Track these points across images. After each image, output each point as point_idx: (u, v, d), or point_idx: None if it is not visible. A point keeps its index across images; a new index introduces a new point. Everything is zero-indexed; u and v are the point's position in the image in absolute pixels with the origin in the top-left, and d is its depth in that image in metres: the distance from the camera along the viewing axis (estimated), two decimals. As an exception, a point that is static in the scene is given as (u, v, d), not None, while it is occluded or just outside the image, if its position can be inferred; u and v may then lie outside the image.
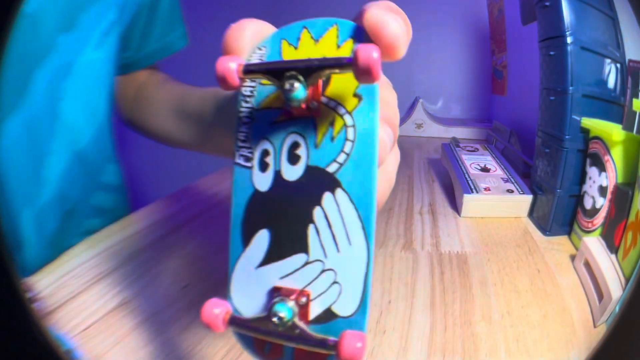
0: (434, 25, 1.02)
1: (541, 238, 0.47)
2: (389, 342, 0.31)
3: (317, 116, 0.15)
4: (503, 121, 0.84)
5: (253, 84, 0.16)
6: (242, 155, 0.16)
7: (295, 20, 0.17)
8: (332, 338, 0.14)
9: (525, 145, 0.69)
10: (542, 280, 0.39)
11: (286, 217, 0.15)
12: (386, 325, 0.33)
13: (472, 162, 0.62)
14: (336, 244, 0.14)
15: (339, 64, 0.13)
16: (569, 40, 0.43)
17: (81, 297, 0.35)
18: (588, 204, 0.43)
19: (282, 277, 0.15)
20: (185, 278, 0.38)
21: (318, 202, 0.14)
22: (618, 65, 0.43)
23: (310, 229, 0.15)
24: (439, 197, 0.58)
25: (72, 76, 0.39)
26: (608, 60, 0.43)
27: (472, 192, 0.52)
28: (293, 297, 0.14)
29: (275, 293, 0.15)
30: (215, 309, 0.15)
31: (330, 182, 0.14)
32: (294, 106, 0.14)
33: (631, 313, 0.24)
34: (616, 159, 0.39)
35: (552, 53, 0.47)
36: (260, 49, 0.16)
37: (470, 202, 0.51)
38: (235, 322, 0.15)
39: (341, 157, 0.14)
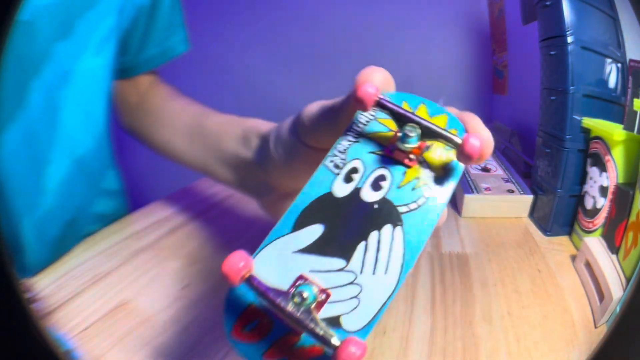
0: (435, 25, 1.02)
1: (542, 238, 0.47)
2: (389, 343, 0.31)
3: (409, 167, 0.17)
4: (504, 121, 0.84)
5: (371, 116, 0.19)
6: (332, 162, 0.18)
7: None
8: (335, 339, 0.14)
9: (526, 145, 0.69)
10: (543, 281, 0.39)
11: (345, 225, 0.16)
12: (386, 326, 0.33)
13: (472, 162, 0.62)
14: (375, 267, 0.15)
15: (451, 140, 0.16)
16: (569, 40, 0.43)
17: (81, 297, 0.35)
18: (589, 204, 0.42)
19: (312, 270, 0.16)
20: (185, 278, 0.38)
21: (378, 228, 0.16)
22: (619, 65, 0.43)
23: (361, 245, 0.16)
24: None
25: (70, 84, 0.39)
26: (609, 60, 0.43)
27: (473, 192, 0.52)
28: (315, 290, 0.15)
29: (301, 280, 0.15)
30: (240, 262, 0.15)
31: (396, 219, 0.16)
32: (401, 150, 0.17)
33: (632, 313, 0.24)
34: (617, 159, 0.39)
35: (552, 53, 0.46)
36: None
37: (470, 202, 0.51)
38: (253, 283, 0.15)
39: (413, 205, 0.16)
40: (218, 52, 1.12)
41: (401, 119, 0.17)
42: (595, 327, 0.33)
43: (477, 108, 1.03)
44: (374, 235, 0.16)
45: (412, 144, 0.17)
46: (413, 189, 0.17)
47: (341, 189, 0.17)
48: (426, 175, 0.17)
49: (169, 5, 0.48)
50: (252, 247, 0.33)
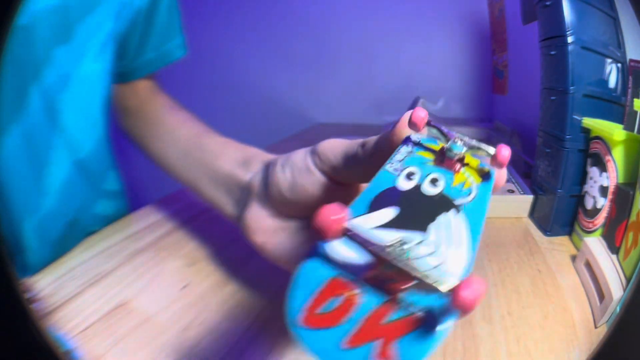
0: (435, 25, 1.02)
1: (542, 238, 0.47)
2: (389, 343, 0.31)
3: (457, 172, 0.20)
4: (504, 121, 0.84)
5: (419, 136, 0.22)
6: (392, 166, 0.20)
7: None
8: (448, 279, 0.14)
9: (526, 145, 0.69)
10: (543, 281, 0.39)
11: (416, 208, 0.18)
12: (386, 326, 0.33)
13: (472, 162, 0.62)
14: (450, 240, 0.17)
15: (486, 150, 0.20)
16: (569, 39, 0.43)
17: (81, 297, 0.35)
18: (589, 204, 0.42)
19: None
20: (185, 278, 0.38)
21: (445, 211, 0.18)
22: (619, 65, 0.43)
23: (433, 223, 0.17)
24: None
25: (70, 88, 0.39)
26: (609, 60, 0.43)
27: (473, 192, 0.52)
28: (415, 242, 0.16)
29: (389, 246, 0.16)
30: (336, 214, 0.15)
31: (456, 208, 0.18)
32: (449, 157, 0.20)
33: (632, 313, 0.24)
34: (617, 159, 0.39)
35: (552, 53, 0.46)
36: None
37: (470, 202, 0.51)
38: (352, 234, 0.15)
39: (468, 199, 0.19)
40: (214, 58, 1.12)
41: (445, 136, 0.21)
42: (596, 327, 0.33)
43: (477, 108, 1.03)
44: (442, 216, 0.18)
45: (459, 150, 0.20)
46: (463, 188, 0.19)
47: (404, 184, 0.19)
48: (471, 179, 0.20)
49: (167, 10, 0.48)
50: (251, 247, 0.32)
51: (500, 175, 0.21)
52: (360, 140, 0.24)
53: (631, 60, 0.42)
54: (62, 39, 0.37)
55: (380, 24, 1.05)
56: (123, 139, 0.50)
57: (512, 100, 0.85)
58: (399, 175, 0.19)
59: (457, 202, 0.19)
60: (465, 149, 0.20)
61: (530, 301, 0.36)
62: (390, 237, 0.16)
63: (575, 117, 0.44)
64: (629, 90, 0.41)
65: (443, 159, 0.20)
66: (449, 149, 0.20)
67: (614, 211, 0.38)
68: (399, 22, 1.04)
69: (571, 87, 0.44)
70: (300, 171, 0.26)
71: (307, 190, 0.26)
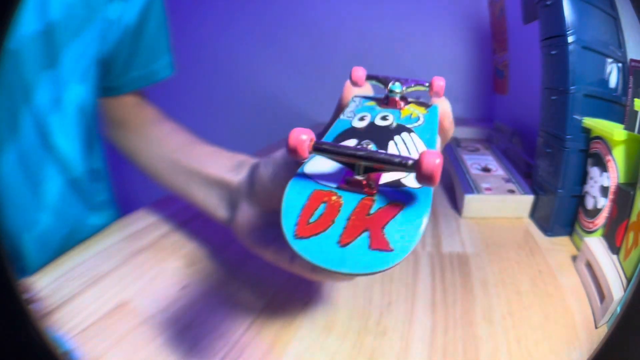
0: (435, 25, 1.02)
1: (542, 238, 0.47)
2: (389, 343, 0.31)
3: (402, 109, 0.23)
4: (504, 121, 0.84)
5: (363, 92, 0.26)
6: (345, 115, 0.23)
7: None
8: (411, 158, 0.16)
9: (527, 145, 0.69)
10: (544, 281, 0.39)
11: (373, 136, 0.20)
12: (387, 326, 0.33)
13: (473, 162, 0.62)
14: (408, 151, 0.19)
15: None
16: (570, 39, 0.43)
17: (80, 298, 0.35)
18: (589, 204, 0.42)
19: None
20: (185, 278, 0.38)
21: (399, 133, 0.20)
22: (619, 64, 0.43)
23: (391, 143, 0.20)
24: (439, 197, 0.58)
25: (60, 110, 0.40)
26: (609, 60, 0.43)
27: (473, 192, 0.52)
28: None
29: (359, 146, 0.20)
30: (302, 135, 0.17)
31: (408, 130, 0.21)
32: (392, 97, 0.23)
33: (633, 314, 0.24)
34: (618, 159, 0.39)
35: (553, 52, 0.46)
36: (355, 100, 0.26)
37: (471, 202, 0.51)
38: (321, 146, 0.17)
39: (416, 124, 0.21)
40: (220, 54, 1.12)
41: (385, 82, 0.25)
42: (596, 327, 0.33)
43: (478, 108, 1.03)
44: (397, 138, 0.20)
45: (399, 89, 0.23)
46: (410, 118, 0.22)
47: (359, 124, 0.22)
48: (417, 111, 0.23)
49: (155, 29, 0.48)
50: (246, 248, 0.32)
51: (443, 102, 0.24)
52: None
53: (632, 60, 0.42)
54: (48, 63, 0.38)
55: (380, 24, 1.05)
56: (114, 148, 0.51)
57: (513, 100, 0.85)
58: (352, 118, 0.22)
59: (408, 126, 0.21)
60: (403, 87, 0.23)
61: (530, 301, 0.36)
62: (353, 143, 0.20)
63: (575, 117, 0.44)
64: (630, 90, 0.41)
65: (387, 101, 0.23)
66: (391, 90, 0.23)
67: (614, 211, 0.38)
68: (399, 22, 1.04)
69: (572, 87, 0.44)
70: (279, 166, 0.28)
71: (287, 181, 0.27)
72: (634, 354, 0.23)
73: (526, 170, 0.63)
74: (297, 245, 0.15)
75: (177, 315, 0.33)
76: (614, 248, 0.37)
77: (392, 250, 0.14)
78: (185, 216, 0.50)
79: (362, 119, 0.22)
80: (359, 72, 0.24)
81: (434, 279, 0.39)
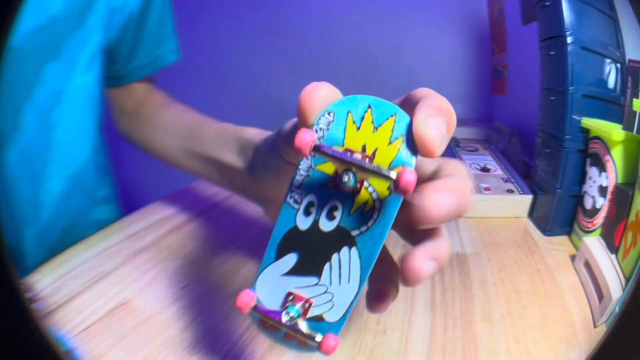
0: (435, 25, 1.02)
1: (541, 238, 0.47)
2: (389, 342, 0.31)
3: (356, 194, 0.20)
4: (503, 121, 0.84)
5: (309, 163, 0.21)
6: (292, 197, 0.21)
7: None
8: (319, 336, 0.20)
9: (526, 145, 0.69)
10: (543, 281, 0.39)
11: (312, 252, 0.21)
12: (386, 325, 0.33)
13: (472, 162, 0.62)
14: (340, 279, 0.20)
15: (386, 178, 0.18)
16: (569, 40, 0.43)
17: (81, 297, 0.35)
18: (588, 204, 0.43)
19: (297, 287, 0.21)
20: (185, 278, 0.38)
21: (338, 251, 0.20)
22: (618, 65, 0.43)
23: (327, 265, 0.20)
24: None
25: (62, 104, 0.40)
26: (608, 60, 0.43)
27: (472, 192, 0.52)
28: (301, 302, 0.21)
29: (290, 295, 0.21)
30: (247, 299, 0.21)
31: (350, 241, 0.20)
32: (344, 189, 0.20)
33: (631, 313, 0.24)
34: (616, 159, 0.39)
35: (552, 53, 0.46)
36: (329, 113, 0.20)
37: (470, 202, 0.51)
38: (257, 310, 0.21)
39: (363, 228, 0.20)
40: (208, 61, 1.12)
41: (339, 161, 0.19)
42: (595, 326, 0.33)
43: (477, 108, 1.03)
44: (335, 257, 0.20)
45: (351, 185, 0.19)
46: (362, 213, 0.20)
47: (303, 223, 0.21)
48: (373, 199, 0.20)
49: (159, 14, 0.48)
50: (251, 247, 0.33)
51: (409, 182, 0.17)
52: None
53: (630, 61, 0.42)
54: (51, 56, 0.38)
55: (380, 24, 1.05)
56: (118, 142, 0.51)
57: (512, 100, 0.85)
58: (298, 210, 0.21)
59: (354, 232, 0.20)
60: (355, 183, 0.19)
61: (529, 301, 0.36)
62: (280, 299, 0.21)
63: (574, 117, 0.44)
64: (628, 91, 0.41)
65: (340, 182, 0.20)
66: (340, 180, 0.19)
67: (613, 211, 0.39)
68: (399, 22, 1.04)
69: (570, 87, 0.44)
70: (267, 161, 0.27)
71: (278, 178, 0.27)
72: (632, 353, 0.23)
73: (525, 170, 0.63)
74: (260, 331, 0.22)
75: (177, 315, 0.33)
76: (613, 247, 0.37)
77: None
78: (185, 216, 0.50)
79: (308, 211, 0.21)
80: (305, 138, 0.18)
81: (434, 278, 0.39)
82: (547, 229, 0.47)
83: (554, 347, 0.31)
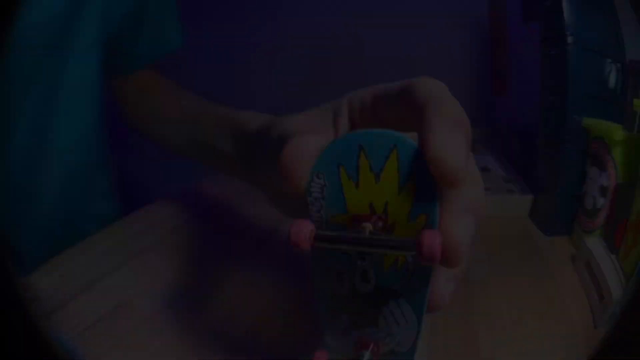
0: (434, 25, 1.02)
1: (542, 238, 0.47)
2: (389, 343, 0.31)
3: (383, 262, 0.18)
4: (503, 121, 0.84)
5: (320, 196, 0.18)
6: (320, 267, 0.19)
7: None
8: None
9: (526, 145, 0.69)
10: (543, 281, 0.39)
11: (361, 311, 0.20)
12: (386, 326, 0.33)
13: (472, 162, 0.62)
14: (397, 324, 0.19)
15: (405, 249, 0.15)
16: (569, 40, 0.43)
17: (81, 297, 0.35)
18: (589, 204, 0.42)
19: (361, 336, 0.20)
20: (185, 278, 0.38)
21: (385, 305, 0.19)
22: (619, 65, 0.43)
23: (380, 317, 0.19)
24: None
25: (60, 96, 0.40)
26: (609, 60, 0.43)
27: (473, 192, 0.51)
28: (369, 347, 0.20)
29: (357, 344, 0.20)
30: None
31: (394, 294, 0.19)
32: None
33: (632, 314, 0.24)
34: (617, 159, 0.39)
35: (553, 53, 0.46)
36: (318, 176, 0.17)
37: (470, 202, 0.51)
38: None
39: (403, 281, 0.18)
40: (212, 49, 1.11)
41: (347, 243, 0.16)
42: (595, 327, 0.33)
43: (477, 108, 1.03)
44: (385, 309, 0.19)
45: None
46: (397, 269, 0.18)
47: (341, 289, 0.19)
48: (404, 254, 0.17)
49: (161, 1, 0.48)
50: (252, 247, 0.33)
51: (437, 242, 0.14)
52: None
53: (631, 60, 0.42)
54: (49, 49, 0.38)
55: (379, 24, 1.05)
56: (120, 137, 0.51)
57: (512, 100, 0.85)
58: (331, 281, 0.19)
59: (394, 287, 0.18)
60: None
61: (529, 301, 0.36)
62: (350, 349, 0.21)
63: (575, 117, 0.44)
64: (629, 90, 0.41)
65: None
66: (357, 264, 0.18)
67: (613, 211, 0.38)
68: (398, 22, 1.04)
69: (571, 87, 0.44)
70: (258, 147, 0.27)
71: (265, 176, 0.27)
72: (633, 354, 0.23)
73: (525, 170, 0.63)
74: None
75: (177, 315, 0.33)
76: (613, 248, 0.37)
77: None
78: (186, 216, 0.50)
79: (340, 279, 0.19)
80: (301, 232, 0.16)
81: (434, 278, 0.39)
82: (547, 229, 0.47)
83: (554, 347, 0.31)
